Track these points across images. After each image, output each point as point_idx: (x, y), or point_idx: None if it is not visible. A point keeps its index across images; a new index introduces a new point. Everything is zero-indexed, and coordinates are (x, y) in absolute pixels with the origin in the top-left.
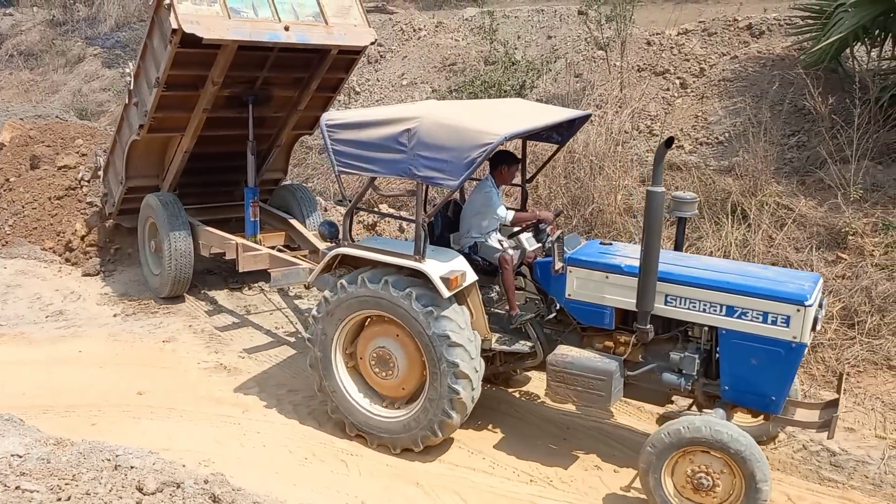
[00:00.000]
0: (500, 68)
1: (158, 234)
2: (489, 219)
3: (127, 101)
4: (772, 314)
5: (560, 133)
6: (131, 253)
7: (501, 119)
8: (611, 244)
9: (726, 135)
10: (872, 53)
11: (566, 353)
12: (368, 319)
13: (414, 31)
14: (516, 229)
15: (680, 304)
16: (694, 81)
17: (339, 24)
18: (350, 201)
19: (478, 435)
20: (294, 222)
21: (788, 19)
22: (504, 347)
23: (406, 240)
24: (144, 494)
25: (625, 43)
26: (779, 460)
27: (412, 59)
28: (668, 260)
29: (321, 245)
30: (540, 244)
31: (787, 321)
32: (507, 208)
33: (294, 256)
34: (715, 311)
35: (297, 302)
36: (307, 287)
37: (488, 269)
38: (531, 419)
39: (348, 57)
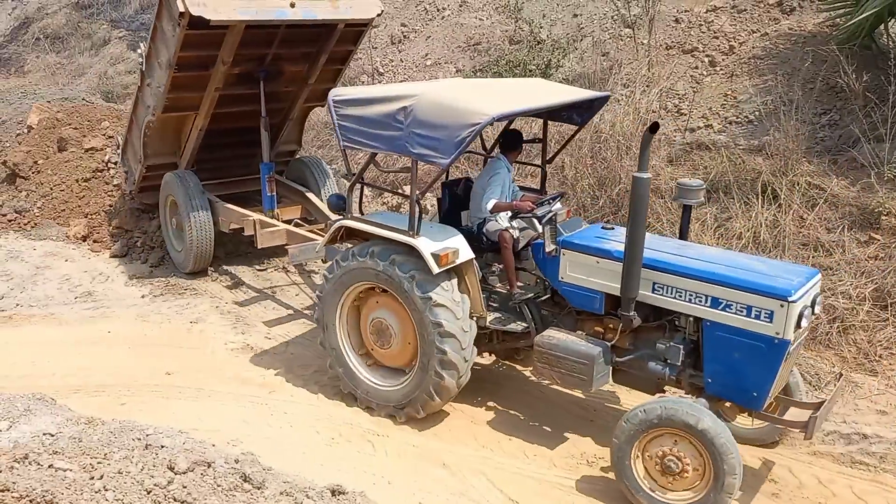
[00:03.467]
0: (525, 48)
1: (179, 211)
2: (497, 197)
3: (140, 83)
4: (755, 308)
5: (580, 114)
6: (154, 235)
7: (498, 99)
8: (612, 228)
9: (756, 113)
10: None
11: (553, 335)
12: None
13: (438, 10)
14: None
15: (667, 292)
16: (723, 59)
17: None
18: (354, 175)
19: (504, 417)
20: (310, 195)
21: None
22: (499, 326)
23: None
24: (176, 473)
25: (653, 20)
26: (811, 443)
27: (436, 38)
28: (662, 248)
29: (333, 216)
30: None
31: (770, 316)
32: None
33: (310, 231)
34: (700, 301)
35: (318, 280)
36: (324, 261)
37: (494, 248)
38: (558, 401)
39: (355, 30)
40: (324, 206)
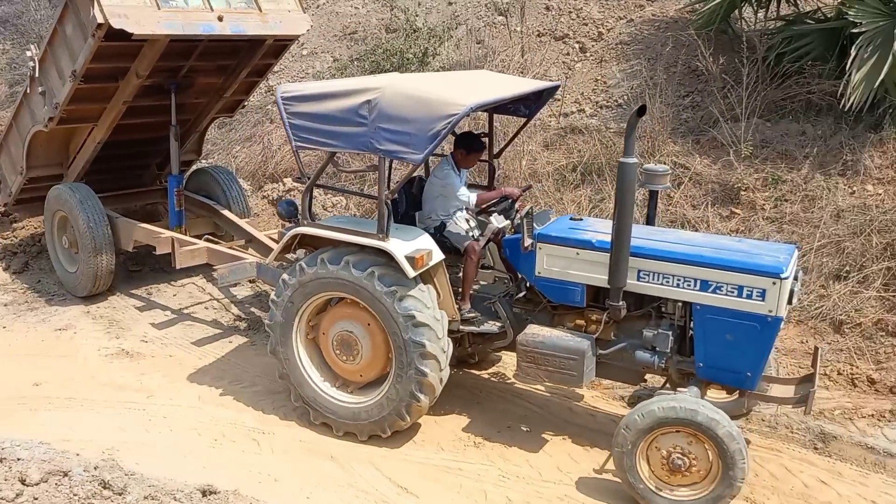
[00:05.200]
0: (402, 36)
1: (71, 228)
2: (452, 200)
3: (28, 89)
4: (747, 288)
5: (528, 106)
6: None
7: (468, 90)
8: (581, 219)
9: (625, 97)
10: (759, 14)
11: (536, 332)
12: (336, 300)
13: None
14: (485, 206)
15: (653, 279)
16: (593, 45)
17: (273, 11)
18: (309, 178)
19: None
20: (222, 210)
21: None
22: (472, 328)
23: (368, 218)
24: (27, 486)
25: (524, 8)
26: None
27: (312, 28)
28: (640, 234)
29: (254, 231)
30: (509, 221)
31: (762, 294)
32: (471, 189)
33: (230, 248)
34: (689, 285)
35: (200, 282)
36: (252, 281)
37: (455, 249)
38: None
39: (279, 44)
40: (241, 222)
